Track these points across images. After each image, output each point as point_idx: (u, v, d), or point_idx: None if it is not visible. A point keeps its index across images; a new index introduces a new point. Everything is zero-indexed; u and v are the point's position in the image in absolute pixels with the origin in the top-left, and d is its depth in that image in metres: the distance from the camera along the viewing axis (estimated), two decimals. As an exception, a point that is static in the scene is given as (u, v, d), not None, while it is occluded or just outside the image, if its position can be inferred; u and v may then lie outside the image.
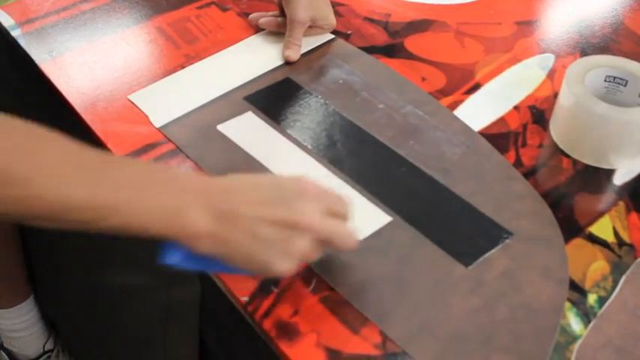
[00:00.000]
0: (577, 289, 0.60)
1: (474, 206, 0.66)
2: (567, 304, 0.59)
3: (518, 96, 0.78)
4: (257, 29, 0.87)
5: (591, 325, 0.58)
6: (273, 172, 0.69)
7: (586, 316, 0.58)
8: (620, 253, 0.63)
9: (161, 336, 0.78)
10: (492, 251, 0.62)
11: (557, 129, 0.73)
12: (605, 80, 0.72)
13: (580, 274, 0.61)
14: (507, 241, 0.63)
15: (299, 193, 0.55)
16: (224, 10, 0.90)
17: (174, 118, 0.75)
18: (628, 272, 0.61)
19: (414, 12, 0.90)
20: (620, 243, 0.64)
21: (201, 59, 0.82)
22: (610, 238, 0.64)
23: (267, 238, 0.53)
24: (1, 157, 0.48)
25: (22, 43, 0.85)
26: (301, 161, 0.70)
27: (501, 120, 0.75)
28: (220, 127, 0.74)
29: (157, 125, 0.74)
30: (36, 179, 0.49)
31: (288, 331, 0.57)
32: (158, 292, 0.77)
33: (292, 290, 0.60)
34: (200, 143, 0.72)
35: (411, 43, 0.85)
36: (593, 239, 0.64)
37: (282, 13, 0.85)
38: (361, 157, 0.71)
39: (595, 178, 0.70)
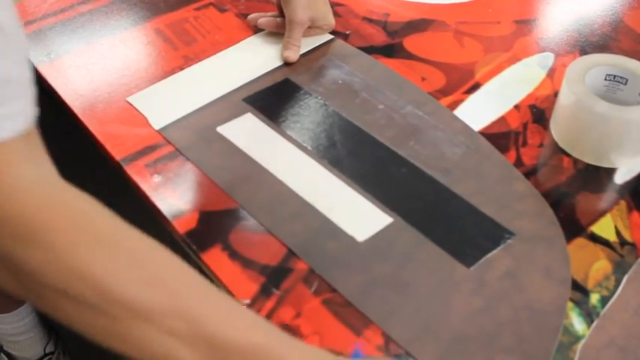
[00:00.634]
0: (579, 288, 0.60)
1: (475, 206, 0.66)
2: (570, 304, 0.59)
3: (518, 95, 0.78)
4: (255, 30, 0.87)
5: (594, 325, 0.57)
6: (274, 174, 0.69)
7: (589, 316, 0.58)
8: (622, 252, 0.63)
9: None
10: (494, 252, 0.62)
11: (558, 128, 0.73)
12: (605, 79, 0.72)
13: (582, 274, 0.61)
14: (509, 241, 0.63)
15: None
16: (222, 11, 0.90)
17: (173, 120, 0.75)
18: (630, 271, 0.61)
19: (413, 11, 0.90)
20: (622, 242, 0.64)
21: (199, 61, 0.82)
22: (612, 237, 0.64)
23: None
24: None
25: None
26: (301, 162, 0.70)
27: (502, 119, 0.75)
28: (220, 129, 0.74)
29: (156, 127, 0.74)
30: (147, 329, 0.44)
31: (291, 333, 0.57)
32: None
33: (294, 292, 0.60)
34: (200, 145, 0.72)
35: (410, 42, 0.85)
36: (595, 239, 0.64)
37: (281, 14, 0.85)
38: (361, 158, 0.71)
39: (596, 177, 0.70)
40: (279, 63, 0.82)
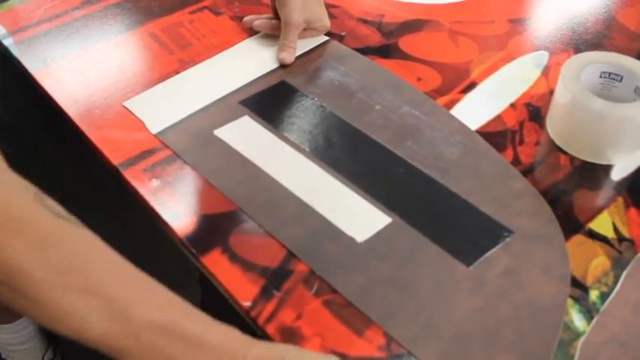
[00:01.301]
0: (579, 285, 0.60)
1: (474, 205, 0.66)
2: (569, 301, 0.59)
3: (513, 94, 0.78)
4: (251, 32, 0.87)
5: (594, 321, 0.58)
6: (272, 176, 0.69)
7: (589, 312, 0.58)
8: (620, 248, 0.63)
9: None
10: (493, 250, 0.63)
11: (554, 126, 0.73)
12: (600, 76, 0.72)
13: (581, 271, 0.61)
14: (508, 239, 0.63)
15: None
16: (217, 14, 0.90)
17: (170, 124, 0.75)
18: (629, 267, 0.62)
19: (407, 12, 0.90)
20: (620, 238, 0.64)
21: (195, 64, 0.82)
22: (610, 233, 0.64)
23: None
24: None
25: (15, 52, 0.84)
26: (299, 164, 0.70)
27: (498, 118, 0.75)
28: (217, 132, 0.74)
29: (153, 131, 0.74)
30: (58, 305, 0.46)
31: (292, 335, 0.57)
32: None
33: (295, 294, 0.60)
34: (197, 148, 0.72)
35: (406, 43, 0.85)
36: (593, 235, 0.64)
37: (276, 16, 0.85)
38: (359, 159, 0.71)
39: (593, 174, 0.70)
40: (275, 65, 0.82)
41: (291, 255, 0.63)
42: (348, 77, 0.80)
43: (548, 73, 0.81)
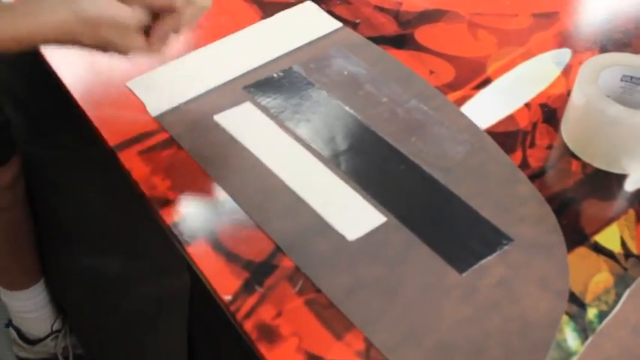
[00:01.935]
0: (577, 301, 0.57)
1: (474, 209, 0.63)
2: (565, 318, 0.56)
3: (529, 93, 0.74)
4: (263, 15, 0.84)
5: (589, 341, 0.54)
6: (268, 166, 0.67)
7: (584, 331, 0.55)
8: (625, 265, 0.59)
9: (153, 328, 0.77)
10: (489, 258, 0.59)
11: (569, 130, 0.69)
12: (621, 80, 0.68)
13: (581, 286, 0.58)
14: (506, 247, 0.60)
15: None
16: (231, -6, 0.88)
17: (171, 107, 0.73)
18: (633, 286, 0.58)
19: (427, 1, 0.86)
20: (627, 254, 0.60)
21: (203, 46, 0.80)
22: (616, 248, 0.61)
23: None
24: None
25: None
26: (297, 156, 0.68)
27: (510, 118, 0.72)
28: (217, 118, 0.72)
29: (153, 114, 0.72)
30: None
31: (270, 333, 0.55)
32: (150, 283, 0.76)
33: (277, 290, 0.58)
34: (195, 133, 0.70)
35: (422, 34, 0.82)
36: (598, 249, 0.61)
37: None
38: (360, 153, 0.68)
39: (605, 183, 0.66)
40: (285, 51, 0.80)
41: (278, 250, 0.60)
42: (357, 67, 0.77)
43: (569, 72, 0.77)
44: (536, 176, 0.66)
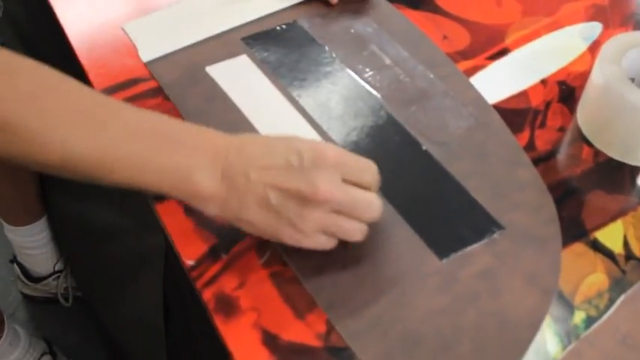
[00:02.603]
0: (564, 302, 0.52)
1: (467, 190, 0.58)
2: (548, 320, 0.51)
3: (548, 68, 0.68)
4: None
5: (570, 347, 0.50)
6: (254, 126, 0.63)
7: (567, 336, 0.50)
8: (624, 267, 0.54)
9: (135, 280, 0.75)
10: (475, 245, 0.55)
11: (584, 112, 0.63)
12: (649, 61, 0.62)
13: (571, 286, 0.53)
14: (495, 235, 0.55)
15: (317, 160, 0.50)
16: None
17: (163, 53, 0.69)
18: (629, 292, 0.53)
19: (454, -41, 0.80)
20: (628, 256, 0.55)
21: (205, -9, 0.76)
22: (617, 248, 0.55)
23: (277, 206, 0.49)
24: (4, 105, 0.47)
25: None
26: (287, 117, 0.64)
27: (523, 94, 0.66)
28: (209, 69, 0.68)
29: (145, 59, 0.69)
30: (39, 130, 0.47)
31: (228, 305, 0.52)
32: (133, 237, 0.73)
33: (243, 260, 0.54)
34: (184, 84, 0.66)
35: (442, -6, 0.76)
36: (597, 247, 0.55)
37: None
38: (353, 120, 0.63)
39: (616, 174, 0.60)
40: (291, 3, 0.75)
41: (250, 216, 0.57)
42: (365, 26, 0.72)
43: (596, 49, 0.70)
44: (542, 160, 0.61)
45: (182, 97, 0.65)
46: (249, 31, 0.71)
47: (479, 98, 0.65)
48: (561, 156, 0.61)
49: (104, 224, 0.82)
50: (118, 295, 0.83)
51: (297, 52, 0.69)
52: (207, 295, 0.53)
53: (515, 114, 0.64)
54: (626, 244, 0.55)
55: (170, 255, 0.66)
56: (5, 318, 1.05)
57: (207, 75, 0.67)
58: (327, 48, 0.69)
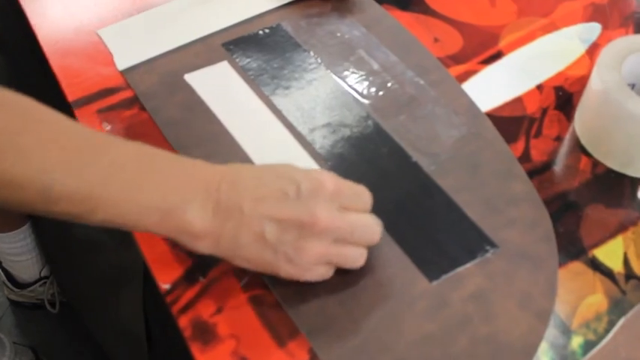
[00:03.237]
0: (560, 326, 0.49)
1: (458, 205, 0.55)
2: (544, 345, 0.48)
3: (545, 72, 0.65)
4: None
5: (567, 376, 0.47)
6: (235, 138, 0.60)
7: (563, 363, 0.47)
8: (625, 287, 0.51)
9: (114, 293, 0.73)
10: (467, 265, 0.52)
11: (582, 120, 0.60)
12: (650, 67, 0.58)
13: (569, 308, 0.50)
14: (488, 254, 0.52)
15: (315, 190, 0.47)
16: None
17: (140, 60, 0.66)
18: (629, 314, 0.50)
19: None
20: (629, 275, 0.52)
21: (186, -7, 0.72)
22: (617, 266, 0.52)
23: (274, 240, 0.46)
24: None
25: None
26: (268, 128, 0.60)
27: (517, 100, 0.63)
28: (188, 77, 0.64)
29: (120, 67, 0.65)
30: (18, 166, 0.43)
31: (205, 332, 0.49)
32: (113, 252, 0.71)
33: (221, 283, 0.51)
34: (161, 93, 0.63)
35: (433, -6, 0.72)
36: (596, 265, 0.52)
37: None
38: (338, 131, 0.60)
39: (616, 187, 0.57)
40: (274, 4, 0.71)
41: (230, 235, 0.54)
42: (352, 29, 0.68)
43: (595, 51, 0.66)
44: (537, 172, 0.58)
45: (159, 108, 0.62)
46: (231, 35, 0.68)
47: (471, 106, 0.62)
48: (558, 167, 0.58)
49: (85, 236, 0.79)
50: (101, 306, 0.80)
51: (281, 58, 0.66)
52: (184, 322, 0.50)
53: (510, 122, 0.61)
54: (626, 262, 0.52)
55: (148, 274, 0.64)
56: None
57: (185, 83, 0.64)
58: (312, 53, 0.66)
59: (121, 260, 0.68)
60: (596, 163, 0.58)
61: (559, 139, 0.60)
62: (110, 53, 0.67)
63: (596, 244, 0.53)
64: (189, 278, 0.52)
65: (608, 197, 0.56)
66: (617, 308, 0.50)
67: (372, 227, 0.49)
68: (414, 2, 0.71)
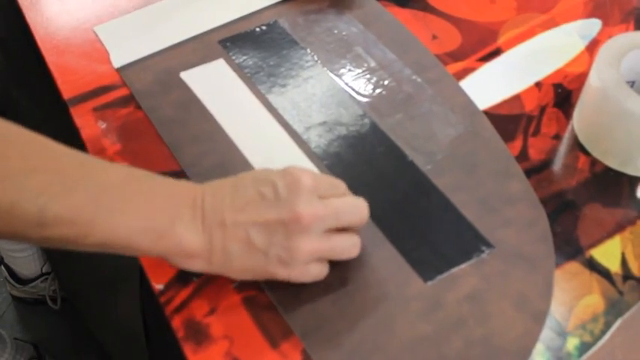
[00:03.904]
0: (556, 328, 0.48)
1: (455, 205, 0.55)
2: (539, 347, 0.48)
3: (544, 69, 0.64)
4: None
5: (562, 378, 0.47)
6: (230, 136, 0.59)
7: (559, 365, 0.47)
8: (622, 288, 0.51)
9: (112, 292, 0.73)
10: (462, 266, 0.51)
11: (581, 118, 0.59)
12: (650, 64, 0.58)
13: (565, 309, 0.49)
14: (484, 255, 0.52)
15: (292, 187, 0.46)
16: None
17: (136, 58, 0.66)
18: (626, 315, 0.49)
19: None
20: (626, 275, 0.51)
21: (183, -10, 0.72)
22: (614, 267, 0.52)
23: (262, 244, 0.46)
24: None
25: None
26: (264, 126, 0.60)
27: (516, 98, 0.62)
28: (183, 75, 0.64)
29: (116, 65, 0.65)
30: (6, 192, 0.42)
31: (198, 333, 0.49)
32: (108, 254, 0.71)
33: (214, 284, 0.51)
34: (157, 91, 0.63)
35: (432, -10, 0.72)
36: (593, 266, 0.52)
37: None
38: (334, 130, 0.60)
39: (614, 185, 0.56)
40: (271, 2, 0.71)
41: (224, 235, 0.54)
42: (349, 26, 0.68)
43: (594, 48, 0.66)
44: (535, 171, 0.57)
45: (154, 106, 0.62)
46: (227, 32, 0.68)
47: (469, 104, 0.61)
48: (556, 166, 0.57)
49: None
50: (100, 304, 0.80)
51: (277, 56, 0.65)
52: (177, 322, 0.49)
53: (508, 120, 0.60)
54: (624, 262, 0.52)
55: (144, 274, 0.63)
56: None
57: (181, 81, 0.64)
58: (309, 50, 0.66)
59: (118, 260, 0.67)
60: (594, 162, 0.58)
61: (557, 137, 0.59)
62: (106, 51, 0.67)
63: (594, 244, 0.53)
64: (182, 279, 0.51)
65: (607, 196, 0.55)
66: (614, 309, 0.49)
67: (357, 206, 0.49)
68: (412, -2, 0.71)
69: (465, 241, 0.53)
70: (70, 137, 0.66)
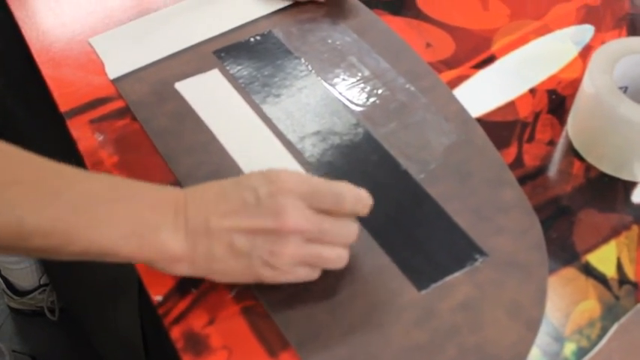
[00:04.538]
0: (553, 333, 0.49)
1: (448, 214, 0.55)
2: (537, 353, 0.48)
3: (537, 76, 0.64)
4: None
5: (558, 384, 0.47)
6: (225, 147, 0.59)
7: (555, 371, 0.47)
8: (618, 293, 0.51)
9: (112, 302, 0.73)
10: (456, 274, 0.52)
11: (575, 124, 0.59)
12: (642, 70, 0.58)
13: (561, 315, 0.50)
14: (477, 263, 0.52)
15: (273, 191, 0.46)
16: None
17: (132, 69, 0.66)
18: (623, 320, 0.49)
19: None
20: (622, 280, 0.51)
21: (178, 1, 0.72)
22: (610, 272, 0.52)
23: (246, 249, 0.46)
24: None
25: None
26: (258, 137, 0.60)
27: (510, 105, 0.62)
28: (178, 85, 0.64)
29: (112, 76, 0.65)
30: None
31: (197, 344, 0.49)
32: (107, 265, 0.71)
33: (213, 295, 0.51)
34: (152, 102, 0.63)
35: (425, -1, 0.72)
36: (589, 271, 0.52)
37: None
38: (328, 139, 0.60)
39: (609, 191, 0.57)
40: (266, 12, 0.71)
41: (220, 246, 0.54)
42: (343, 36, 0.68)
43: (588, 54, 0.66)
44: (529, 178, 0.57)
45: (149, 117, 0.62)
46: (222, 43, 0.68)
47: (462, 112, 0.62)
48: (551, 172, 0.58)
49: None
50: (99, 316, 0.80)
51: (272, 66, 0.66)
52: (176, 333, 0.50)
53: (502, 127, 0.61)
54: (619, 267, 0.52)
55: (142, 286, 0.63)
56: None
57: (176, 92, 0.64)
58: (303, 60, 0.66)
59: (117, 271, 0.67)
60: (589, 168, 0.58)
61: (552, 143, 0.60)
62: (101, 62, 0.67)
63: (589, 250, 0.53)
64: (181, 290, 0.52)
65: (602, 201, 0.56)
66: (611, 314, 0.50)
67: (345, 228, 0.48)
68: (406, 7, 0.71)
69: (459, 250, 0.53)
70: (68, 149, 0.66)
